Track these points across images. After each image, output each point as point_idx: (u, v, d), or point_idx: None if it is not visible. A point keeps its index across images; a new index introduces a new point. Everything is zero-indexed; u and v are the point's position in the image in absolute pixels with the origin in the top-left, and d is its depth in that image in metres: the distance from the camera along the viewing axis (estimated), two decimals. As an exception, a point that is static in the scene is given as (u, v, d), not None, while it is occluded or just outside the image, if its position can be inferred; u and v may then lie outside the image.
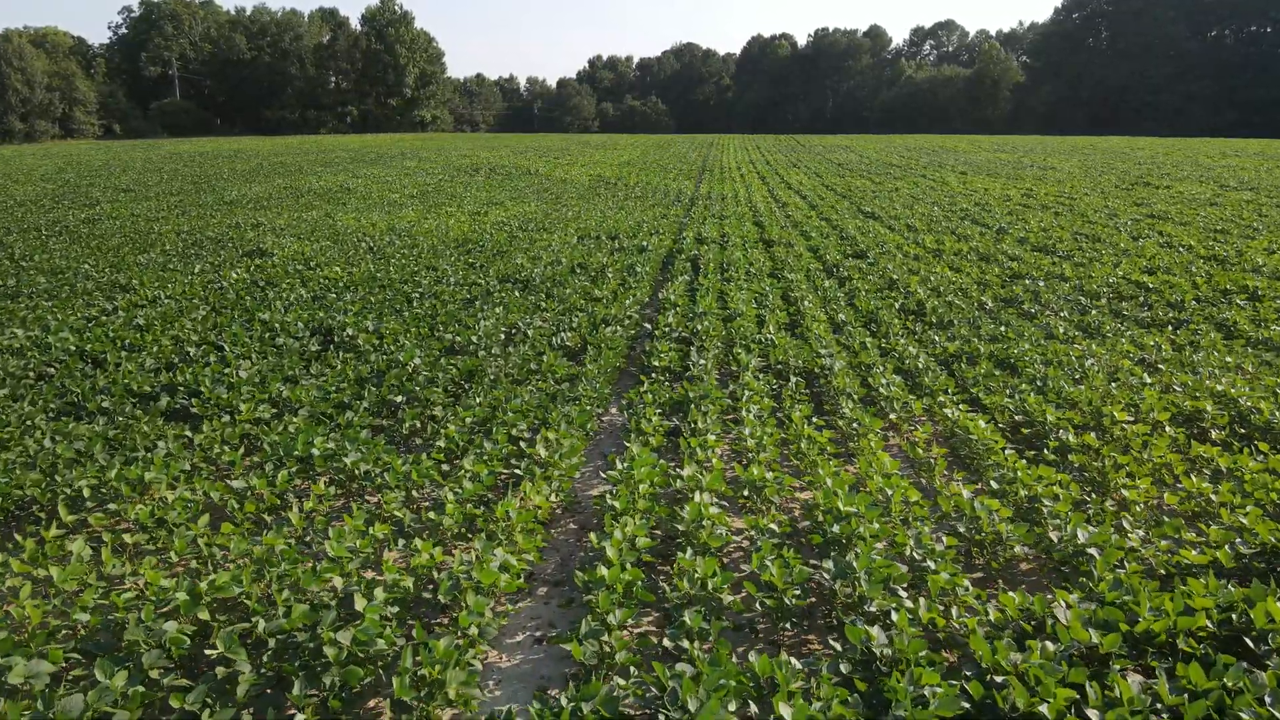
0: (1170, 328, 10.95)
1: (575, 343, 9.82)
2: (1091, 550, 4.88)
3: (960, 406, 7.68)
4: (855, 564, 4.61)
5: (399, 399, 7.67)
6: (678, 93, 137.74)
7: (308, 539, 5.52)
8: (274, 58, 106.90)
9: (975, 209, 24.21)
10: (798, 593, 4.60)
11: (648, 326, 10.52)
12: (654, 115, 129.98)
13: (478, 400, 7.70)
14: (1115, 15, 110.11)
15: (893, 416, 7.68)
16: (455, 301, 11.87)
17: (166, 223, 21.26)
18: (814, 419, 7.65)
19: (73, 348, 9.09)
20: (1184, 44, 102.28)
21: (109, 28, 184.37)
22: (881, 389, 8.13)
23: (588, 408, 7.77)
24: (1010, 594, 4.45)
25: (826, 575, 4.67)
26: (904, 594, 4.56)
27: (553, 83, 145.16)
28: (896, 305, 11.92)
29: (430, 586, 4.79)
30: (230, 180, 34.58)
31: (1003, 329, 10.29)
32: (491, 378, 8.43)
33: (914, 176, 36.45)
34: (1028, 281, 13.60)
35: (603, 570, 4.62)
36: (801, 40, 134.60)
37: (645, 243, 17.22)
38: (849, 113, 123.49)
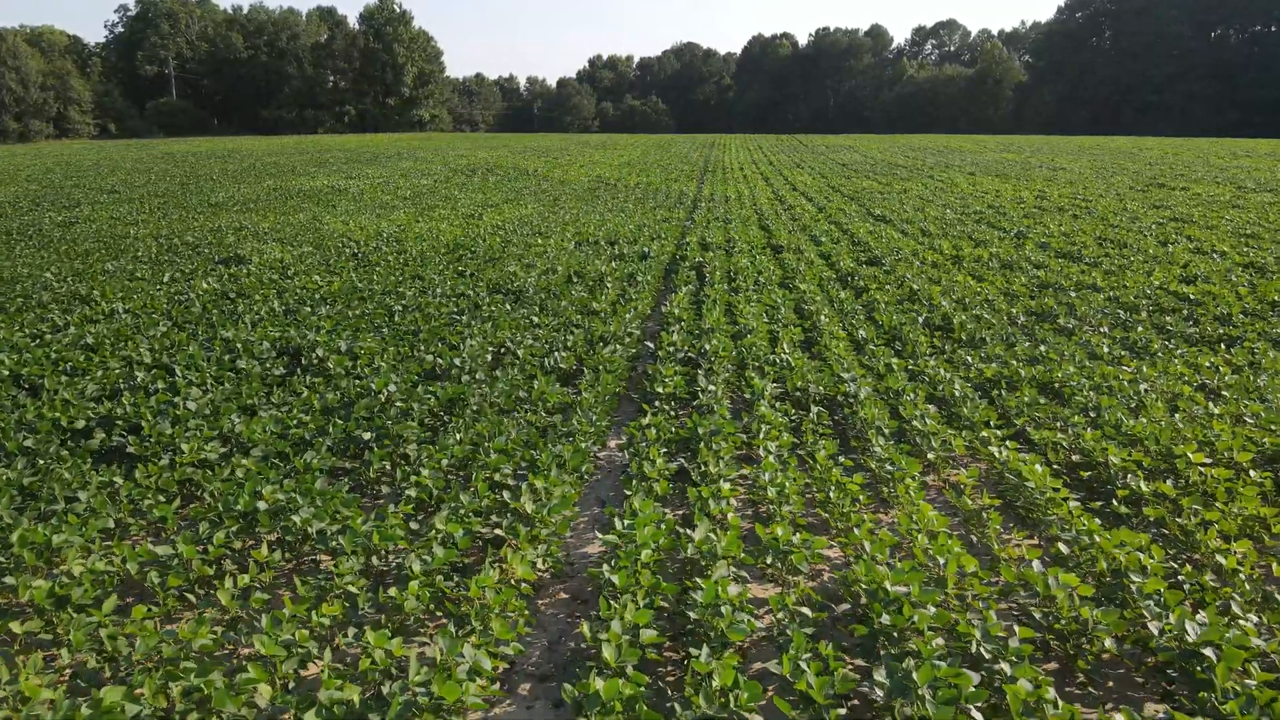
0: (1223, 345, 9.99)
1: (570, 365, 8.86)
2: (1206, 651, 3.92)
3: (1007, 443, 6.73)
4: (915, 675, 3.66)
5: (367, 436, 6.71)
6: (678, 92, 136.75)
7: (244, 618, 4.58)
8: (271, 57, 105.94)
9: (989, 212, 23.26)
10: (842, 713, 3.65)
11: (650, 346, 9.56)
12: (654, 115, 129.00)
13: (457, 437, 6.75)
14: (1118, 14, 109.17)
15: (931, 456, 6.73)
16: (441, 316, 10.92)
17: (145, 226, 20.30)
18: (841, 458, 6.70)
19: (6, 372, 8.13)
20: (1187, 43, 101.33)
21: (105, 26, 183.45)
22: (915, 421, 7.17)
23: (583, 445, 6.81)
24: (1115, 716, 3.50)
25: (879, 690, 3.71)
26: (976, 715, 3.61)
27: (553, 82, 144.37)
28: (920, 319, 10.96)
29: (380, 702, 3.82)
30: (220, 181, 33.63)
31: (1042, 348, 9.32)
32: (475, 408, 7.48)
33: (922, 178, 35.51)
34: (1058, 293, 12.64)
35: (597, 683, 3.67)
36: (802, 40, 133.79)
37: (646, 248, 16.27)
38: (850, 113, 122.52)
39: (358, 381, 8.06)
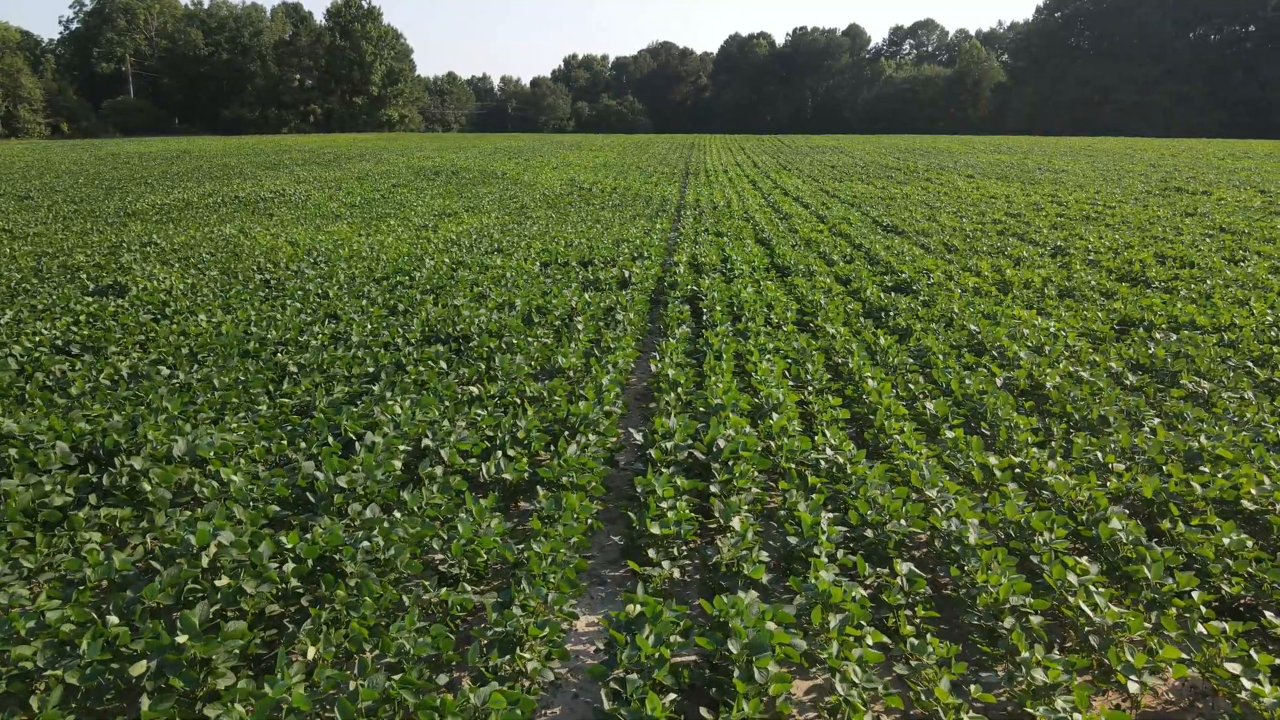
0: None
1: (519, 475, 5.96)
2: None
3: (1254, 657, 3.94)
4: None
5: (141, 668, 3.77)
6: (654, 92, 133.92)
7: None
8: (233, 54, 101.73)
9: (1011, 221, 20.63)
10: None
11: (638, 438, 6.67)
12: (630, 115, 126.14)
13: (311, 655, 3.84)
14: (1098, 14, 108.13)
15: (1134, 688, 3.91)
16: (350, 380, 7.98)
17: (34, 242, 17.11)
18: (971, 686, 3.87)
19: None
20: (1169, 43, 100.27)
21: (60, 22, 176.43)
22: (1077, 597, 4.36)
23: (534, 666, 3.93)
24: None
25: None
26: None
27: (527, 82, 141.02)
28: (998, 381, 8.17)
29: None
30: (156, 185, 30.27)
31: (1202, 439, 6.51)
32: (354, 583, 4.56)
33: (918, 181, 32.93)
34: (1151, 333, 9.93)
35: None
36: (780, 39, 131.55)
37: (627, 271, 13.38)
38: (829, 113, 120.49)
39: (185, 515, 5.11)
